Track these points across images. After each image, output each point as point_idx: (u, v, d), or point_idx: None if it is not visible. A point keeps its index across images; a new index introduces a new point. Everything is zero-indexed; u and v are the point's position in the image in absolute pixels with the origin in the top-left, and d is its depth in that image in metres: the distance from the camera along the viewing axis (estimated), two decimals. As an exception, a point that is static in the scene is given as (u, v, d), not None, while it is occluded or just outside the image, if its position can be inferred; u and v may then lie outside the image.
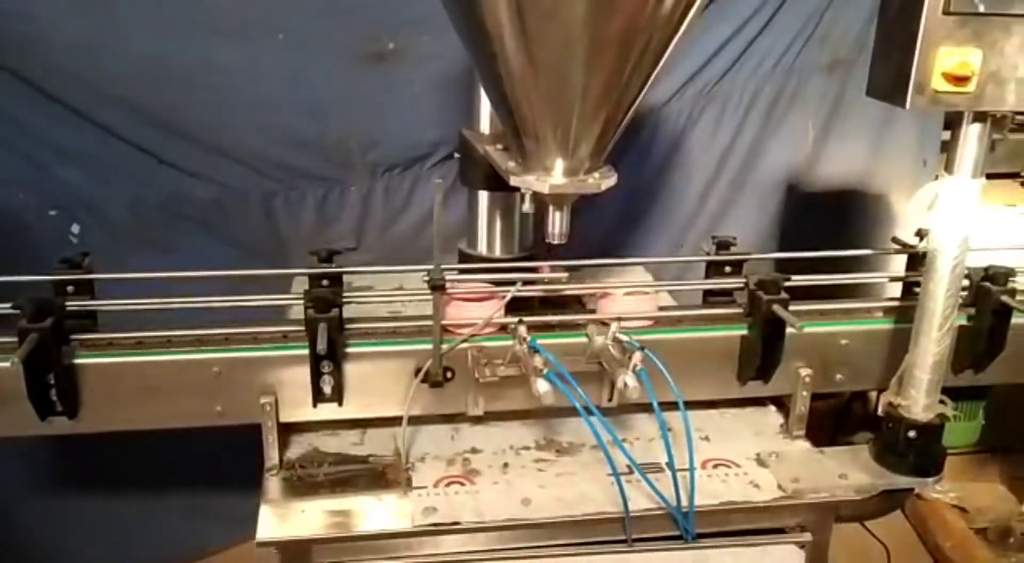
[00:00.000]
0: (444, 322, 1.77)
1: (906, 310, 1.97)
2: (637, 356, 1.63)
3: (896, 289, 2.12)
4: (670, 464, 1.68)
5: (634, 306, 1.90)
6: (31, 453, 2.71)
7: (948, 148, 1.65)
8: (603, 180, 1.70)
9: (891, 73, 1.58)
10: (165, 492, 2.89)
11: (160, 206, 2.67)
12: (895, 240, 2.17)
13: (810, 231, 3.28)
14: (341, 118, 2.73)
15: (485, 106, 2.04)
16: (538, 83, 1.55)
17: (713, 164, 3.23)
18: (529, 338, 1.70)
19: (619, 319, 1.78)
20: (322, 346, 1.65)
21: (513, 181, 1.70)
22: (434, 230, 1.69)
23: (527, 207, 1.73)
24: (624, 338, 1.72)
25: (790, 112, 3.26)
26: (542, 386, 1.57)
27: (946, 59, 1.51)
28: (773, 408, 2.06)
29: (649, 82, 1.62)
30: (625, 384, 1.59)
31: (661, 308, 2.04)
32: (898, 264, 2.16)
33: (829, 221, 3.35)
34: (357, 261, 2.78)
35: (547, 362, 1.63)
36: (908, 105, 1.54)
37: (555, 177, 1.68)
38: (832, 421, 2.27)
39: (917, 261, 2.06)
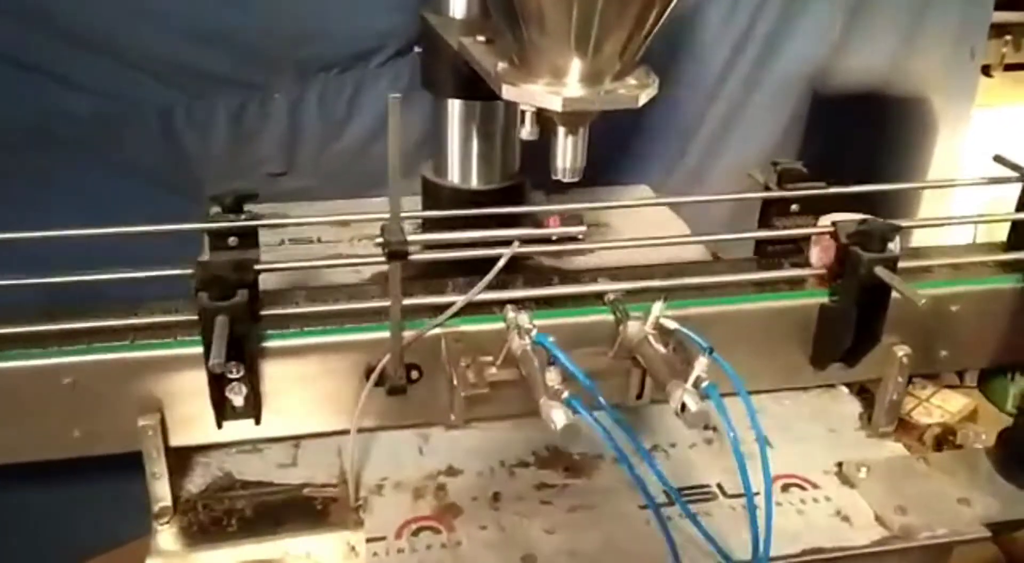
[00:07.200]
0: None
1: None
2: (701, 363, 1.07)
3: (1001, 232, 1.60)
4: (746, 490, 1.15)
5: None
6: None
7: None
8: (641, 89, 1.13)
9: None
10: (84, 478, 2.38)
11: (26, 125, 2.04)
12: (1000, 159, 1.63)
13: (836, 135, 2.76)
14: (262, 3, 2.10)
15: (457, -21, 1.45)
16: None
17: (724, 56, 2.68)
18: (536, 333, 1.15)
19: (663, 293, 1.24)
20: (218, 353, 1.08)
21: (507, 93, 1.12)
22: (389, 168, 1.12)
23: (527, 132, 1.16)
24: (672, 326, 1.18)
25: (814, -6, 2.70)
26: (558, 417, 1.02)
27: None
28: (845, 390, 1.55)
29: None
30: (683, 406, 1.05)
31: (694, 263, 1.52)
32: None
33: (858, 124, 2.82)
34: (287, 189, 2.20)
35: (567, 376, 1.07)
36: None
37: (571, 87, 1.11)
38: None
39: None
